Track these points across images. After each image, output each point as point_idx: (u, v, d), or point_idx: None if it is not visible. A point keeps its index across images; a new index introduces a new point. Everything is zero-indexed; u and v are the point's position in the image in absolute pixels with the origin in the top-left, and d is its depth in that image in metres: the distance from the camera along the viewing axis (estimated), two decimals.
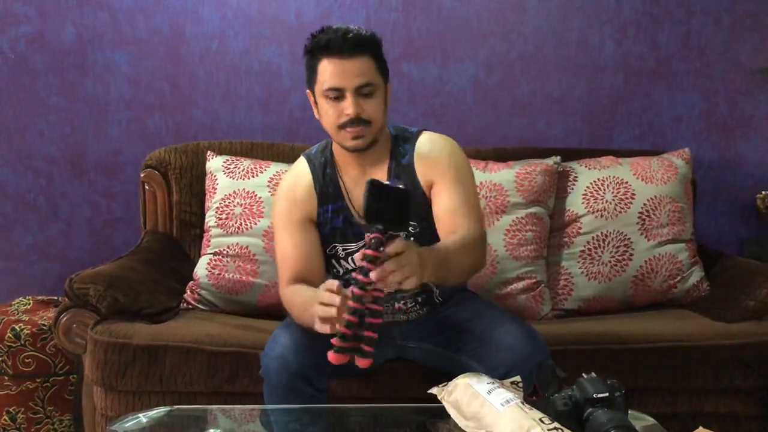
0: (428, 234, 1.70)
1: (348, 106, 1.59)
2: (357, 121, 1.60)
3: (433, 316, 1.81)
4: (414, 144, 1.73)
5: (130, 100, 2.65)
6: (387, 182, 1.29)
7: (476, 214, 1.69)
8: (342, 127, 1.62)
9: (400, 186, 1.31)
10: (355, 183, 1.73)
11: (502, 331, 1.66)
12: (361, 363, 1.32)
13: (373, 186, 1.28)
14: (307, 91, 1.70)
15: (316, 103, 1.68)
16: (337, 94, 1.60)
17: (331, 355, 1.31)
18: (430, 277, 1.43)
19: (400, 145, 1.73)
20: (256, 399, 1.81)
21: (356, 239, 1.73)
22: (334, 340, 1.31)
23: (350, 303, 1.30)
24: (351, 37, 1.59)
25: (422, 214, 1.71)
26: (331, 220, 1.73)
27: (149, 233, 2.42)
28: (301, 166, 1.78)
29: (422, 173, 1.70)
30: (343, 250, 1.75)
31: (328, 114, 1.63)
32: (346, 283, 1.43)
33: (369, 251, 1.28)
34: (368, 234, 1.30)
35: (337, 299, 1.34)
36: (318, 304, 1.38)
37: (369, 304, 1.30)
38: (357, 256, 1.31)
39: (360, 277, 1.28)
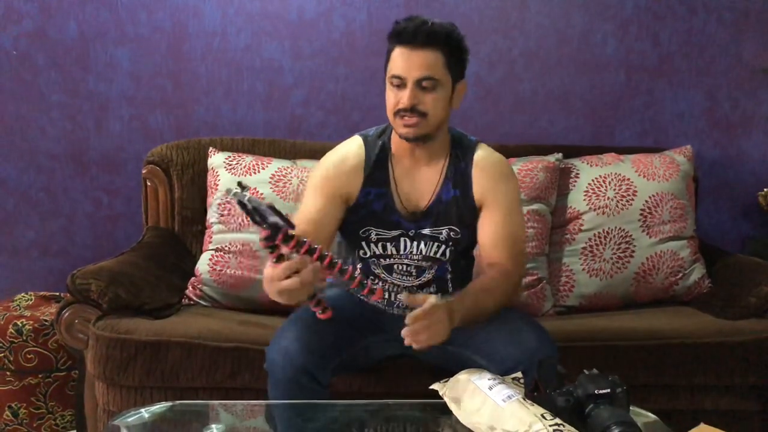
0: (466, 240, 1.75)
1: (404, 96, 1.61)
2: (412, 110, 1.61)
3: None
4: (473, 153, 1.74)
5: (132, 96, 2.65)
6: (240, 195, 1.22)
7: (517, 249, 1.72)
8: (397, 113, 1.64)
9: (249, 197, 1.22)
10: (405, 173, 1.74)
11: (510, 326, 1.67)
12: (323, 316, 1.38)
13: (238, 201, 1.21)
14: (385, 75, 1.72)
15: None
16: (399, 82, 1.62)
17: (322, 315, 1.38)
18: (459, 324, 1.52)
19: (459, 150, 1.75)
20: (257, 394, 1.82)
21: (393, 227, 1.73)
22: (317, 310, 1.38)
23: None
24: (424, 29, 1.61)
25: (467, 221, 1.73)
26: (371, 203, 1.73)
27: (151, 229, 2.42)
28: (356, 144, 1.77)
29: (477, 186, 1.72)
30: (376, 234, 1.75)
31: (389, 99, 1.65)
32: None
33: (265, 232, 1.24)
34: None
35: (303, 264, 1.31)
36: (282, 280, 1.31)
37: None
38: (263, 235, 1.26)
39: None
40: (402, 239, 1.74)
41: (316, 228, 1.68)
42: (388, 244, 1.74)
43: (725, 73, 2.71)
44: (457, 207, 1.72)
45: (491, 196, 1.71)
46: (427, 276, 1.77)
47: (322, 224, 1.70)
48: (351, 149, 1.76)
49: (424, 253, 1.74)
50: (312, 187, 1.74)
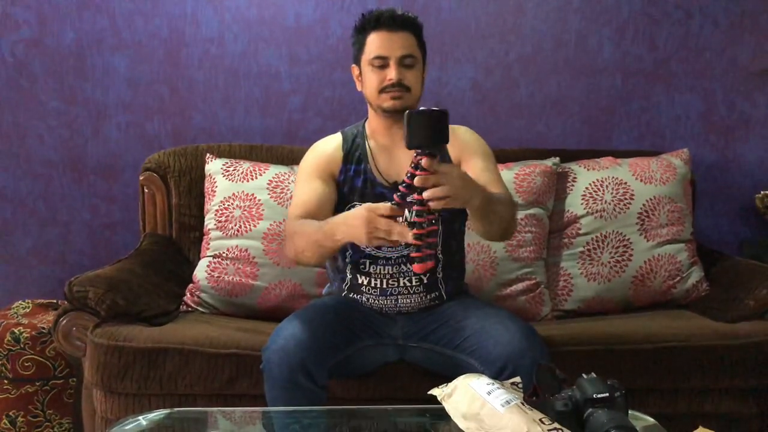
0: None
1: (391, 73, 1.75)
2: (398, 85, 1.76)
3: (435, 314, 1.84)
4: None
5: (129, 103, 2.66)
6: (422, 108, 1.37)
7: (505, 188, 1.81)
8: (383, 90, 1.77)
9: (434, 108, 1.37)
10: (381, 149, 1.86)
11: (500, 327, 1.69)
12: (418, 268, 1.42)
13: (410, 116, 1.36)
14: (353, 66, 1.86)
15: (360, 75, 1.84)
16: (382, 63, 1.76)
17: (416, 267, 1.42)
18: (479, 208, 1.53)
19: None
20: (255, 401, 1.81)
21: (376, 199, 1.77)
22: (413, 254, 1.41)
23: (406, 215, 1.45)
24: (398, 15, 1.78)
25: None
26: (352, 179, 1.84)
27: (149, 236, 2.42)
28: (333, 135, 1.93)
29: (453, 146, 1.82)
30: None
31: (371, 80, 1.79)
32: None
33: (411, 170, 1.38)
34: (414, 158, 1.40)
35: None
36: (378, 218, 1.46)
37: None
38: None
39: (407, 191, 1.41)
40: None
41: (319, 206, 1.78)
42: None
43: (721, 77, 2.72)
44: None
45: (469, 150, 1.85)
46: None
47: (323, 202, 1.79)
48: (329, 138, 1.93)
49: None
50: (302, 176, 1.86)
